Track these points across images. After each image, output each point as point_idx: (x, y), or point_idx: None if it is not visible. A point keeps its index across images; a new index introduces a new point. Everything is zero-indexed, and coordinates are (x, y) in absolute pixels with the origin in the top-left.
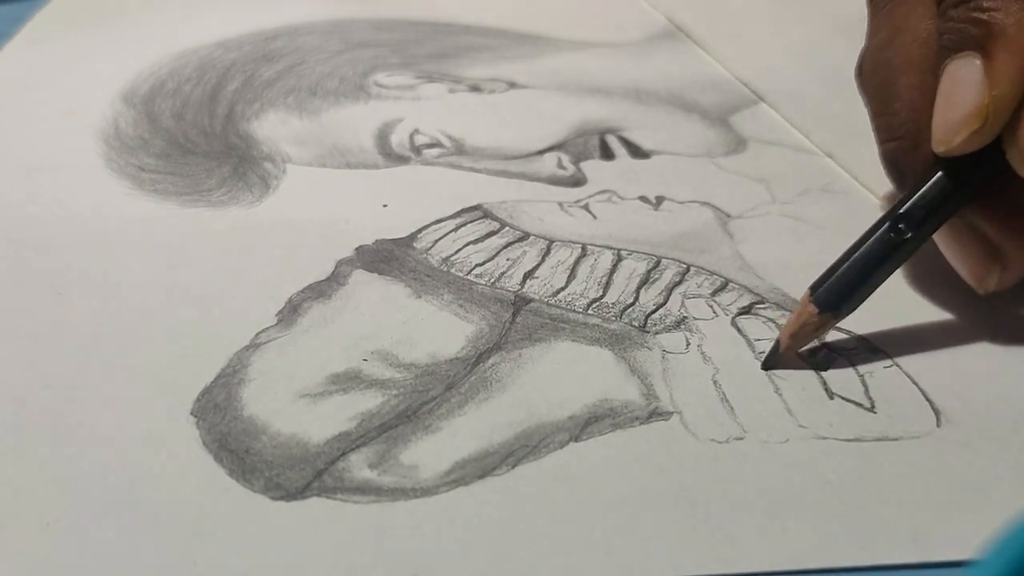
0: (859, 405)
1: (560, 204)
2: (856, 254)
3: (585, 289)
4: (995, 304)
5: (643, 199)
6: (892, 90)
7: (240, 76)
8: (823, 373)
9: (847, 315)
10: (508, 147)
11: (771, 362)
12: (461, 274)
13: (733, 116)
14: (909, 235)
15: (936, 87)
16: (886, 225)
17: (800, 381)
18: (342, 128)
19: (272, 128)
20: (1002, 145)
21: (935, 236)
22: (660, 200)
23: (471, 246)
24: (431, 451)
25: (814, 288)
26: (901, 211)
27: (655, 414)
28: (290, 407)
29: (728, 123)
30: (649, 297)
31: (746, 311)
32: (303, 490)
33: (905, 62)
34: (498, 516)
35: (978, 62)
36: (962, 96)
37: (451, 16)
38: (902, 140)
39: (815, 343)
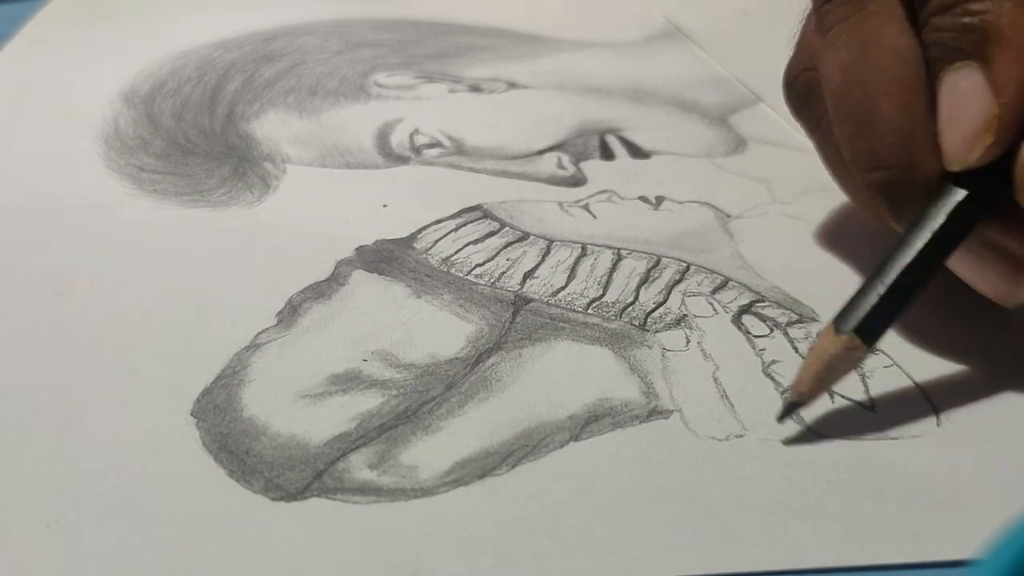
0: (859, 404)
1: (560, 204)
2: (889, 282)
3: (585, 288)
4: (995, 305)
5: (643, 199)
6: (873, 114)
7: (240, 76)
8: None
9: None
10: (508, 147)
11: (789, 413)
12: (461, 274)
13: (733, 116)
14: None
15: (923, 106)
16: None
17: None
18: (342, 128)
19: (272, 128)
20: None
21: (953, 261)
22: (660, 200)
23: (471, 246)
24: (431, 451)
25: (840, 320)
26: (930, 237)
27: (655, 413)
28: (290, 408)
29: (728, 123)
30: (649, 296)
31: (746, 309)
32: (303, 491)
33: (885, 82)
34: (498, 516)
35: (978, 70)
36: (968, 109)
37: (451, 16)
38: (894, 168)
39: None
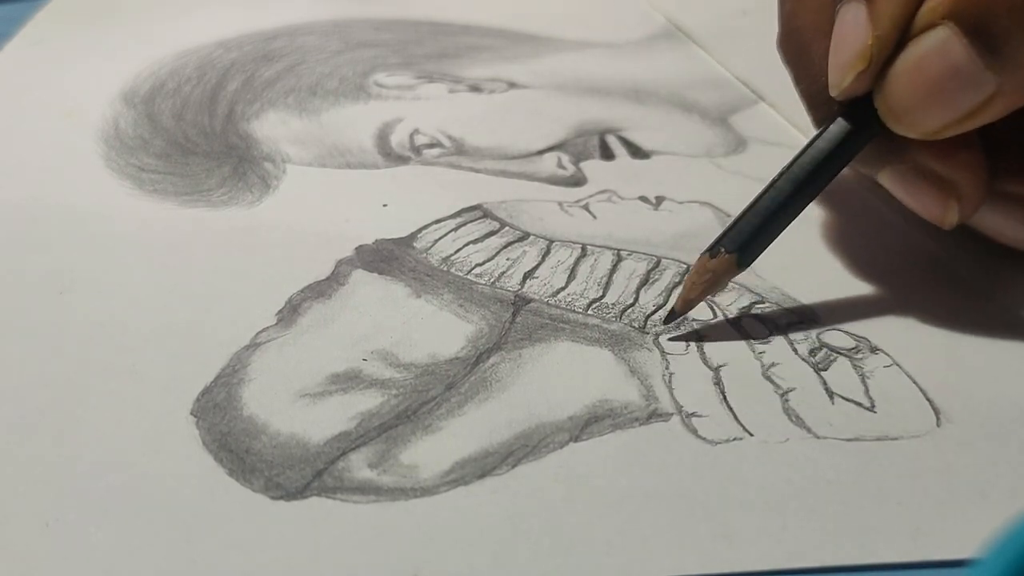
0: (859, 405)
1: (560, 204)
2: (765, 205)
3: (585, 289)
4: (995, 305)
5: (643, 199)
6: (807, 58)
7: (240, 76)
8: (823, 373)
9: (750, 262)
10: (508, 147)
11: (670, 319)
12: (461, 274)
13: (733, 116)
14: (784, 173)
15: None
16: (778, 172)
17: (800, 381)
18: (342, 128)
19: (272, 128)
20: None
21: (889, 185)
22: (660, 200)
23: (471, 246)
24: (431, 451)
25: (710, 246)
26: (792, 159)
27: (655, 415)
28: (290, 407)
29: (728, 123)
30: (649, 297)
31: (746, 311)
32: (303, 490)
33: (812, 27)
34: (498, 516)
35: (863, 5)
36: (848, 39)
37: (451, 16)
38: (827, 106)
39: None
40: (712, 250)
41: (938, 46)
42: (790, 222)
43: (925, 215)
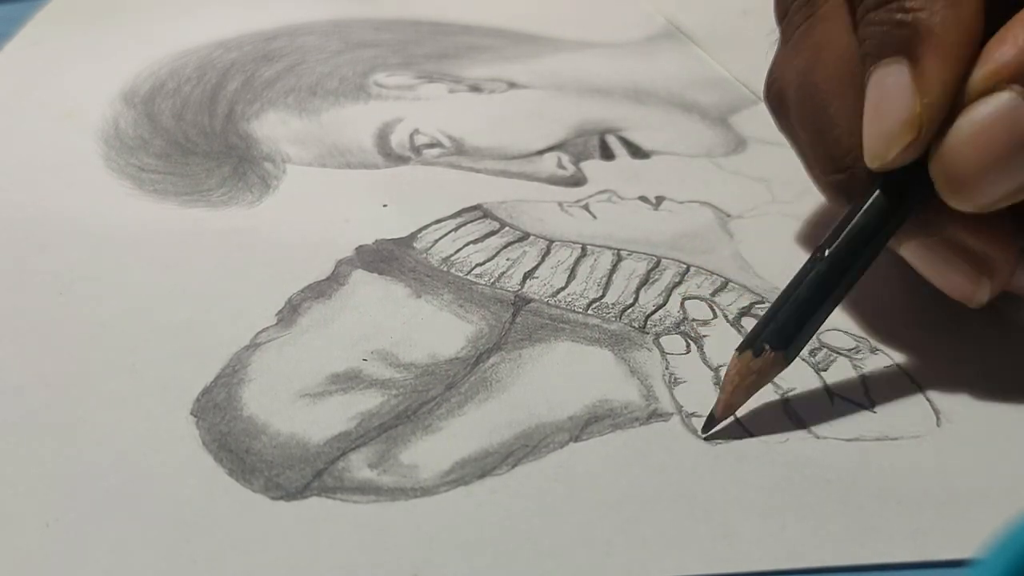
0: (859, 405)
1: (560, 204)
2: (783, 292)
3: (585, 289)
4: (995, 304)
5: (643, 199)
6: (826, 117)
7: (240, 76)
8: (823, 373)
9: (795, 356)
10: (508, 147)
11: (709, 426)
12: (461, 274)
13: (733, 116)
14: (825, 256)
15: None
16: (809, 258)
17: (800, 381)
18: (342, 128)
19: (272, 128)
20: (927, 159)
21: (914, 260)
22: (660, 200)
23: (471, 246)
24: (431, 451)
25: (748, 342)
26: (825, 239)
27: (655, 415)
28: (290, 407)
29: (728, 123)
30: (649, 297)
31: (746, 311)
32: (303, 490)
33: (835, 84)
34: (498, 516)
35: (905, 68)
36: (892, 106)
37: (451, 16)
38: (852, 170)
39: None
40: (754, 347)
41: (1005, 113)
42: (834, 308)
43: (952, 293)
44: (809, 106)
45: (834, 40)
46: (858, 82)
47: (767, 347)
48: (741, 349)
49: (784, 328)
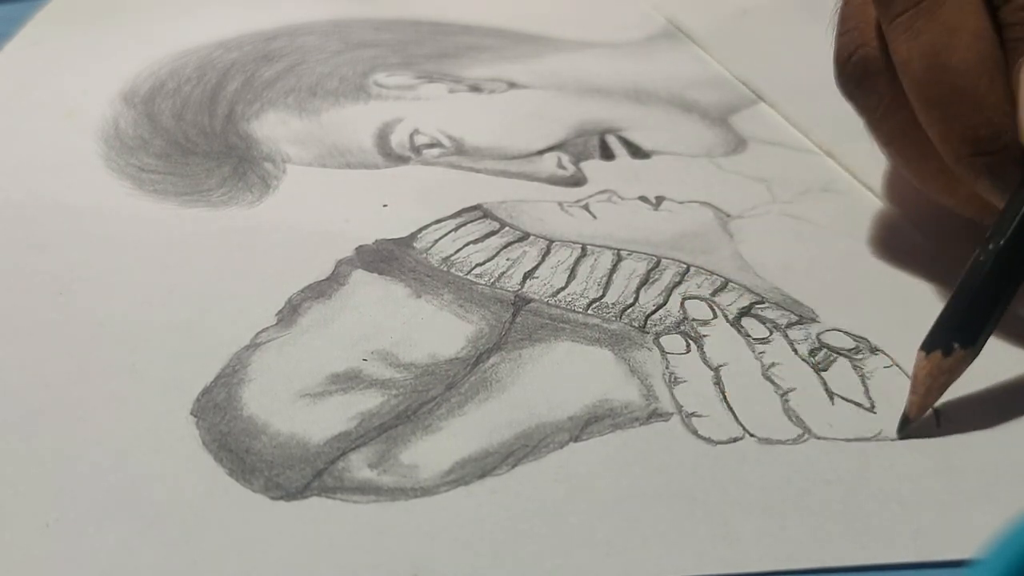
0: (859, 405)
1: (560, 204)
2: (960, 287)
3: (585, 289)
4: None
5: (643, 199)
6: (968, 98)
7: (240, 76)
8: (823, 373)
9: (981, 349)
10: (508, 147)
11: (904, 427)
12: (461, 274)
13: (733, 116)
14: (998, 247)
15: (1008, 87)
16: (978, 250)
17: (800, 381)
18: (342, 128)
19: (272, 128)
20: None
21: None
22: (660, 200)
23: (471, 246)
24: (431, 451)
25: (935, 342)
26: (992, 230)
27: (655, 415)
28: (290, 407)
29: (728, 123)
30: (649, 297)
31: (746, 311)
32: (303, 490)
33: (975, 66)
34: (498, 516)
35: None
36: None
37: (451, 16)
38: (1001, 151)
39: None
40: (944, 347)
41: None
42: (1013, 296)
43: None
44: (944, 86)
45: (969, 22)
46: (998, 64)
47: (956, 346)
48: (928, 349)
49: (970, 325)
